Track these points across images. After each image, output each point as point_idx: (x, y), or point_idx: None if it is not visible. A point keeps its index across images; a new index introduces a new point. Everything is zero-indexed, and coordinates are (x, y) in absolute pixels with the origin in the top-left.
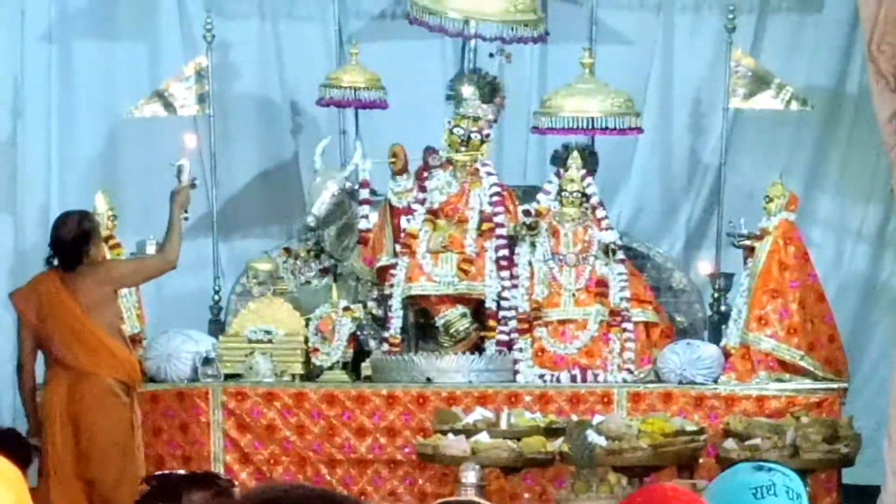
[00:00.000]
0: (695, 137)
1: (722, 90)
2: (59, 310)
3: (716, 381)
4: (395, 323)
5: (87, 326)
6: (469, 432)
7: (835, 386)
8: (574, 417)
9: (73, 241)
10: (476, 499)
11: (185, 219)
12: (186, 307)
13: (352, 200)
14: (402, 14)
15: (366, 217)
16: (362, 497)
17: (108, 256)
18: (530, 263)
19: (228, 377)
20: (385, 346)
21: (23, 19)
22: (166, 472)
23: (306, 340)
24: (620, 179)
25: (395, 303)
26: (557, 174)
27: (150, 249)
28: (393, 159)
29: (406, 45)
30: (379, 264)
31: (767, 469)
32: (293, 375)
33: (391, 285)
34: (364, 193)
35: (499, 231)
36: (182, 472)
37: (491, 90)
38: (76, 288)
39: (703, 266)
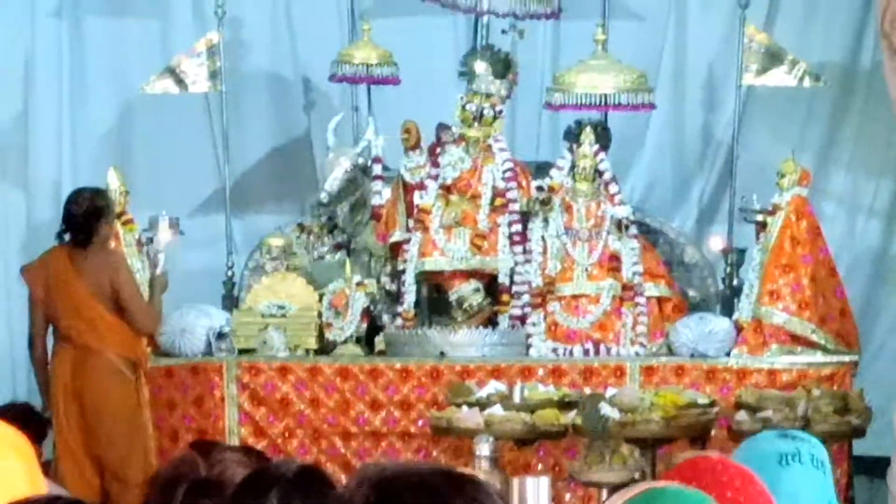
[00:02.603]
0: (707, 113)
1: (735, 66)
2: (65, 287)
3: (728, 355)
4: (409, 298)
5: (92, 305)
6: (483, 405)
7: (846, 359)
8: (587, 390)
9: (84, 217)
10: (468, 471)
11: None
12: (200, 282)
13: (364, 176)
14: None
15: (378, 193)
16: None
17: (121, 233)
18: (543, 238)
19: (242, 352)
20: (398, 321)
21: None
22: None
23: (320, 315)
24: (633, 155)
25: (409, 278)
26: (570, 150)
27: (163, 225)
28: (405, 135)
29: (418, 21)
30: (392, 240)
31: (792, 437)
32: (307, 350)
33: (404, 260)
34: (377, 169)
35: (511, 206)
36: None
37: (504, 66)
38: (83, 267)
39: (716, 241)
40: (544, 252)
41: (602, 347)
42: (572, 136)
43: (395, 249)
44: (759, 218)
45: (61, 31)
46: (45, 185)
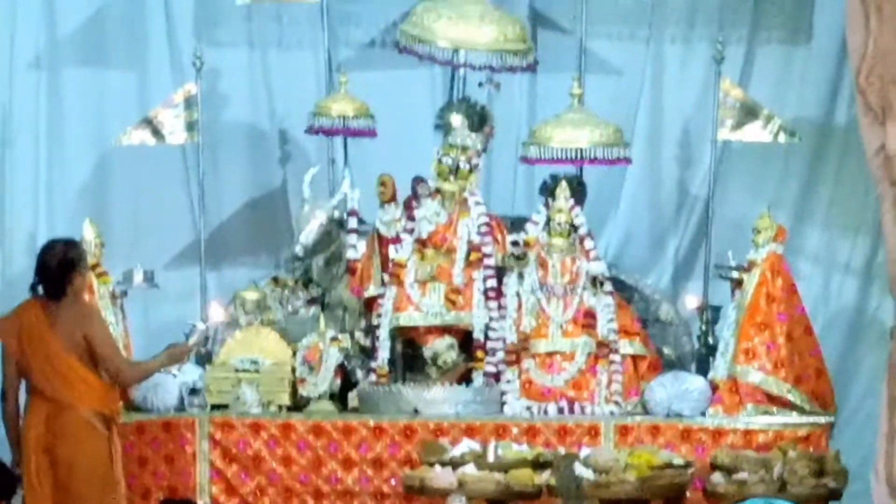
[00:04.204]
0: (683, 168)
1: (710, 121)
2: (39, 340)
3: (703, 414)
4: (383, 353)
5: (65, 358)
6: (456, 464)
7: (822, 420)
8: (561, 450)
9: (57, 269)
10: None
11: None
12: (173, 336)
13: (340, 230)
14: (392, 43)
15: (354, 246)
16: None
17: (95, 285)
18: (518, 294)
19: (215, 407)
20: (372, 377)
21: (12, 46)
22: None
23: (293, 370)
24: (609, 210)
25: (383, 333)
26: (546, 204)
27: (137, 278)
28: (381, 189)
29: (395, 74)
30: (367, 294)
31: None
32: (280, 406)
33: (379, 315)
34: (352, 223)
35: (487, 261)
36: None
37: (480, 119)
38: (57, 320)
39: (691, 298)
40: (519, 308)
41: (577, 406)
42: (548, 190)
43: (370, 304)
44: (735, 275)
45: (39, 83)
46: (20, 237)
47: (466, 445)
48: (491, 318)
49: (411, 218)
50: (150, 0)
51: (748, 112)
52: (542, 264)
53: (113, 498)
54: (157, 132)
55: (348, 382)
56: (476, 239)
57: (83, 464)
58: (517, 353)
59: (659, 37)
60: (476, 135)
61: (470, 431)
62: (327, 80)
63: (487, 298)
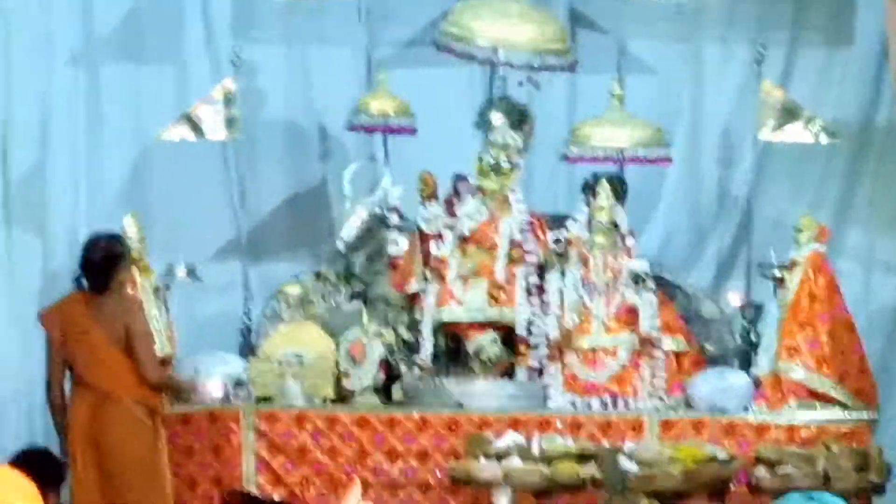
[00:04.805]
0: (724, 168)
1: (751, 122)
2: (83, 333)
3: (746, 410)
4: (426, 348)
5: (109, 351)
6: (501, 456)
7: (865, 416)
8: (605, 443)
9: (101, 264)
10: None
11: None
12: (216, 330)
13: (381, 226)
14: (432, 41)
15: (395, 242)
16: None
17: (138, 280)
18: (560, 291)
19: (259, 400)
20: (416, 371)
21: (49, 43)
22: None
23: (337, 364)
24: (650, 209)
25: (426, 328)
26: (587, 203)
27: (180, 272)
28: (422, 186)
29: (435, 72)
30: (409, 290)
31: (818, 499)
32: (324, 399)
33: (421, 310)
34: (393, 219)
35: (528, 258)
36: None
37: (520, 118)
38: (100, 313)
39: (733, 296)
40: (561, 304)
41: (620, 400)
42: (589, 189)
43: (413, 299)
44: (777, 273)
45: (77, 79)
46: (61, 232)
47: (511, 438)
48: (533, 314)
49: (452, 215)
50: None
51: (789, 112)
52: (584, 261)
53: (158, 488)
54: (196, 128)
55: (392, 376)
56: (518, 236)
57: (128, 453)
58: (560, 349)
59: (699, 37)
60: (517, 133)
61: (514, 424)
62: (366, 78)
63: (530, 294)
